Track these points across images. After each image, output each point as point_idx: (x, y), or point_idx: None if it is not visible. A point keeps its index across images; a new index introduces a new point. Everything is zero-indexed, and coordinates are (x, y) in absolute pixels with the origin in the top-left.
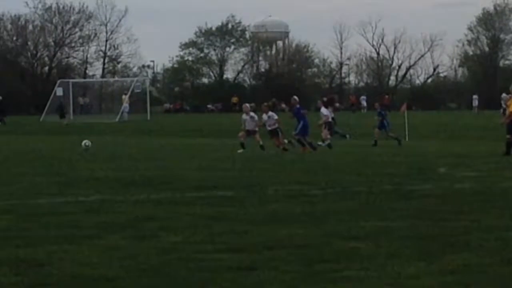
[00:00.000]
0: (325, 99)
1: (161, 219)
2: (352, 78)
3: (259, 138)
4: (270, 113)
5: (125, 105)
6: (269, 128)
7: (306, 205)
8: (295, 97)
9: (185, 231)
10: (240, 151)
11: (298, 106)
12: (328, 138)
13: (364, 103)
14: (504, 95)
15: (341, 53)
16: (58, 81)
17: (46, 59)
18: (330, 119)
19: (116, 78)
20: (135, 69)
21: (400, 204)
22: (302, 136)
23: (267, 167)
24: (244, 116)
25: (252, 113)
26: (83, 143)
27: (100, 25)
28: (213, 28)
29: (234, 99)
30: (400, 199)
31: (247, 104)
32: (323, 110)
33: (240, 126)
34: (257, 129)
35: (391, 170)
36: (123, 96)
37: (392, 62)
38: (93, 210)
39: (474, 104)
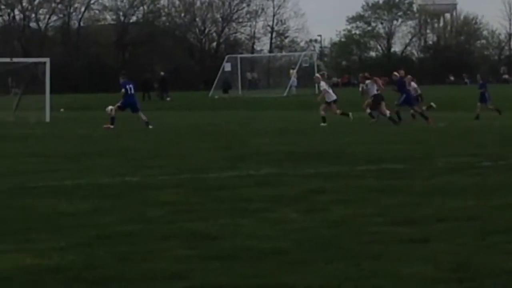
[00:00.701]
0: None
1: (331, 192)
2: None
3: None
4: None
5: (293, 79)
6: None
7: (477, 177)
8: (395, 72)
9: (355, 204)
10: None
11: (402, 79)
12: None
13: None
14: None
15: (510, 24)
16: (226, 57)
17: (214, 34)
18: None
19: (284, 53)
20: (302, 44)
21: None
22: (411, 107)
23: (434, 139)
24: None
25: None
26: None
27: (267, 0)
28: (380, 2)
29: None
30: None
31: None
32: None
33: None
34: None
35: None
36: (291, 71)
37: None
38: (263, 183)
39: None
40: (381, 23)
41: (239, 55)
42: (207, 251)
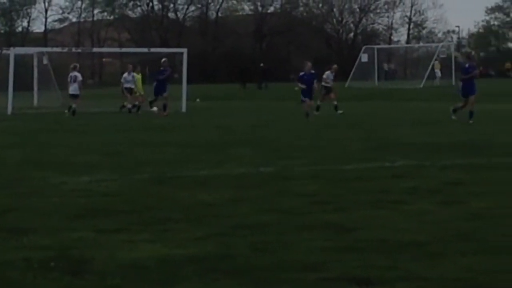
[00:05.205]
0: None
1: (469, 184)
2: None
3: None
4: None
5: (437, 71)
6: None
7: None
8: None
9: (493, 197)
10: None
11: None
12: None
13: None
14: None
15: None
16: (363, 47)
17: (351, 25)
18: None
19: (421, 44)
20: (440, 35)
21: None
22: None
23: None
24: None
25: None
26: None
27: None
28: None
29: (508, 65)
30: None
31: None
32: None
33: None
34: None
35: None
36: (436, 62)
37: None
38: (400, 175)
39: None
40: None
41: (376, 46)
42: (343, 242)
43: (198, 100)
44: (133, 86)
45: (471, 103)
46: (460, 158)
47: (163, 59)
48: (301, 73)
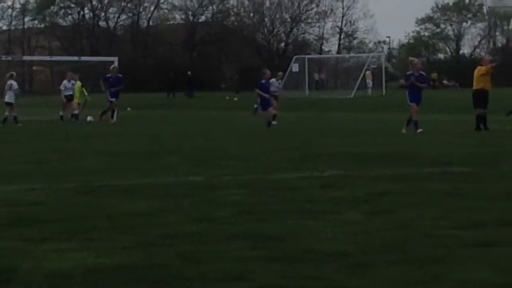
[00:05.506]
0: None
1: (397, 194)
2: None
3: None
4: None
5: (368, 81)
6: None
7: None
8: None
9: (421, 207)
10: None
11: None
12: None
13: None
14: None
15: None
16: (294, 57)
17: (283, 35)
18: None
19: (352, 54)
20: (370, 45)
21: None
22: None
23: (502, 142)
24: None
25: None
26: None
27: (337, 0)
28: (450, 3)
29: (434, 75)
30: None
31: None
32: None
33: None
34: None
35: None
36: (367, 72)
37: None
38: (328, 185)
39: None
40: (450, 25)
41: (307, 56)
42: (270, 252)
43: (129, 109)
44: (71, 93)
45: (415, 112)
46: (388, 169)
47: (112, 66)
48: (262, 81)
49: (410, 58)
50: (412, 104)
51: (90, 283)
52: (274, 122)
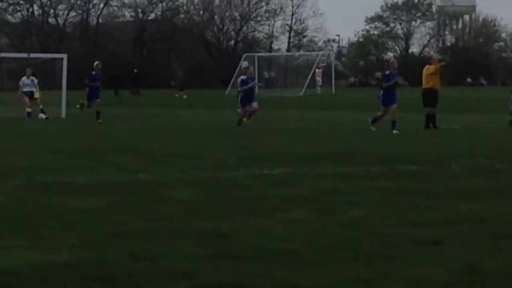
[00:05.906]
0: None
1: (345, 193)
2: None
3: None
4: None
5: (318, 79)
6: None
7: (491, 180)
8: None
9: (369, 205)
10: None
11: None
12: None
13: None
14: None
15: None
16: (244, 55)
17: (232, 33)
18: None
19: (302, 52)
20: (320, 43)
21: None
22: None
23: (450, 141)
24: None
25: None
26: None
27: None
28: (399, 2)
29: (378, 74)
30: None
31: None
32: None
33: None
34: None
35: None
36: (317, 70)
37: None
38: (277, 183)
39: None
40: (400, 24)
41: (256, 54)
42: (218, 250)
43: (78, 106)
44: (33, 89)
45: (392, 112)
46: (337, 167)
47: (96, 62)
48: (244, 77)
49: (387, 57)
50: (392, 106)
51: (38, 281)
52: (245, 120)
